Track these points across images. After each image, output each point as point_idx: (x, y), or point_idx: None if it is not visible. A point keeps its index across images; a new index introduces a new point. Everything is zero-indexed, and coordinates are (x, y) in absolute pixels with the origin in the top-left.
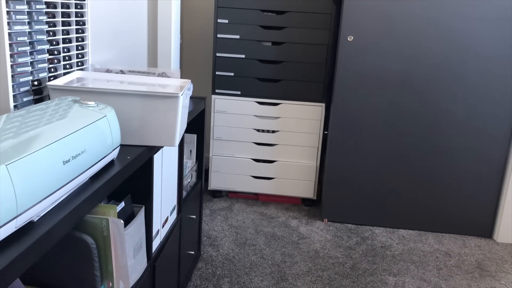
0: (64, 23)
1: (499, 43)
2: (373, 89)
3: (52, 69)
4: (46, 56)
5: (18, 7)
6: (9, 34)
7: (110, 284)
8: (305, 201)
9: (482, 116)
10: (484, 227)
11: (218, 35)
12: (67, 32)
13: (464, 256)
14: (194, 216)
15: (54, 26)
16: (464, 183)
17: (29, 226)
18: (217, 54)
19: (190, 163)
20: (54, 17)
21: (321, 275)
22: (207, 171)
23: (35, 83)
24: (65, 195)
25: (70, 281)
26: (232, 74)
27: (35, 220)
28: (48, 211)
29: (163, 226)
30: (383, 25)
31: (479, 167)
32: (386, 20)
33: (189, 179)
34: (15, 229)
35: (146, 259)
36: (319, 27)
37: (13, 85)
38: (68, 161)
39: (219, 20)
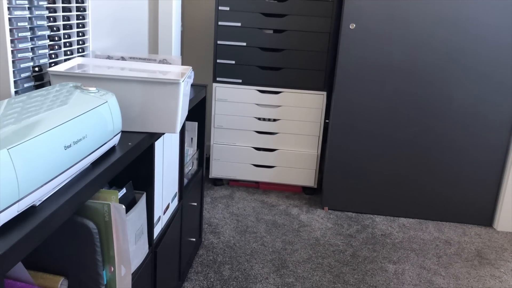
0: (64, 9)
1: (503, 31)
2: (375, 77)
3: (53, 55)
4: (47, 42)
5: None
6: (9, 19)
7: (112, 269)
8: (305, 189)
9: (484, 104)
10: (484, 216)
11: (219, 23)
12: (68, 18)
13: (464, 244)
14: (195, 204)
15: (55, 11)
16: (464, 172)
17: (31, 211)
18: (218, 42)
19: (191, 151)
20: (54, 2)
21: (322, 263)
22: (208, 159)
23: (36, 69)
24: (67, 180)
25: (72, 265)
26: (233, 62)
27: (37, 204)
28: (49, 196)
29: (164, 212)
30: (386, 12)
31: (480, 155)
32: (389, 8)
33: (190, 166)
34: (17, 213)
35: (147, 245)
36: (321, 14)
37: (13, 71)
38: (70, 146)
39: (220, 8)
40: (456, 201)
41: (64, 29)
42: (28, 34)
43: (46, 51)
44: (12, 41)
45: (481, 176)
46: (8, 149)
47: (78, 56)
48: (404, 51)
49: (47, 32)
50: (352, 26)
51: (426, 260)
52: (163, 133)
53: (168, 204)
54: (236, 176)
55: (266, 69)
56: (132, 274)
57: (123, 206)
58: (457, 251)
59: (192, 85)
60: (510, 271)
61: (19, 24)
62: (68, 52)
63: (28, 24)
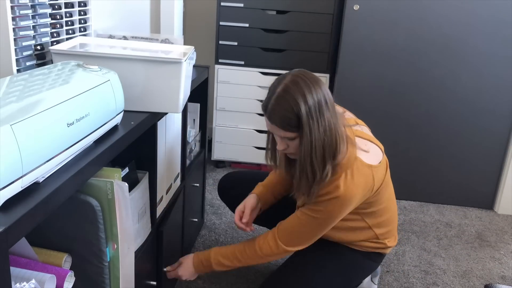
0: None
1: (509, 9)
2: (379, 59)
3: (55, 34)
4: (48, 20)
5: None
6: None
7: (115, 246)
8: None
9: (487, 88)
10: (485, 199)
11: (222, 3)
12: None
13: (464, 226)
14: (198, 185)
15: None
16: (466, 155)
17: (35, 187)
18: (221, 23)
19: (193, 132)
20: None
21: None
22: (210, 141)
23: (38, 47)
24: (70, 157)
25: (76, 242)
26: (235, 43)
27: (40, 181)
28: (53, 173)
29: (167, 193)
30: None
31: (482, 139)
32: None
33: (193, 148)
34: (20, 189)
35: (150, 225)
36: None
37: (15, 49)
38: (72, 123)
39: None
40: (457, 184)
41: (65, 7)
42: (29, 12)
43: (48, 29)
44: (13, 19)
45: (483, 159)
46: (11, 125)
47: (80, 35)
48: (408, 32)
49: (49, 10)
50: (356, 7)
51: (427, 242)
52: (166, 113)
53: (171, 185)
54: (238, 158)
55: (268, 51)
56: (135, 252)
57: (126, 184)
58: (457, 233)
59: (194, 66)
60: (510, 253)
61: (20, 1)
62: (70, 31)
63: (30, 2)
